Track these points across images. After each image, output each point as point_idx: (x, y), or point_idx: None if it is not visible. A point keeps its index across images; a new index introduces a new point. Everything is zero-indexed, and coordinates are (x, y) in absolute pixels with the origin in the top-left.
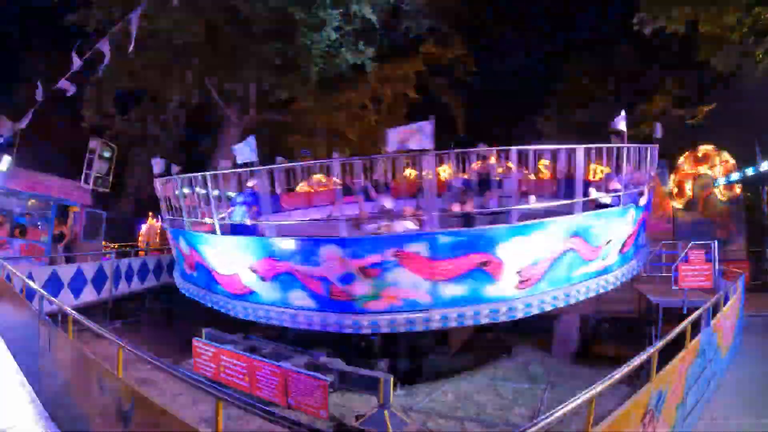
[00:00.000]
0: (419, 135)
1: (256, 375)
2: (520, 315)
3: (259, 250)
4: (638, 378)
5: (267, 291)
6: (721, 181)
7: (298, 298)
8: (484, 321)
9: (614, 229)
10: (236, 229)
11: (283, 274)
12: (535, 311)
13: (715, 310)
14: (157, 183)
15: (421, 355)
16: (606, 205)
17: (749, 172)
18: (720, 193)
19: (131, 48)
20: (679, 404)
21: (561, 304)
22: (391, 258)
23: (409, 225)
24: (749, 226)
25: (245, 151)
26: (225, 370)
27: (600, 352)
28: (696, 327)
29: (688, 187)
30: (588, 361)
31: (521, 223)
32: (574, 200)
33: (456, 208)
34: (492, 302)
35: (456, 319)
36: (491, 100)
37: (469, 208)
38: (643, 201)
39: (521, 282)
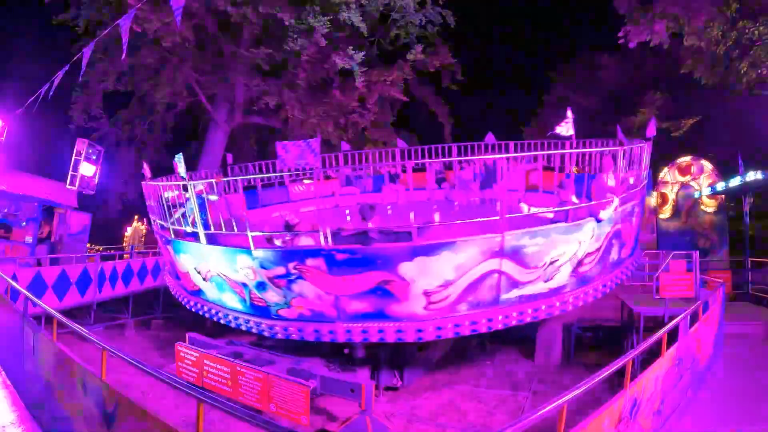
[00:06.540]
0: (309, 153)
1: (238, 380)
2: (430, 337)
3: (197, 255)
4: (620, 385)
5: (208, 290)
6: (705, 191)
7: (229, 299)
8: (391, 339)
9: (560, 248)
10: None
11: (214, 276)
12: (448, 335)
13: (695, 319)
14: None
15: (404, 362)
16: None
17: (732, 183)
18: (703, 203)
19: (123, 56)
20: (655, 412)
21: (483, 329)
22: (293, 271)
23: (309, 240)
24: (732, 236)
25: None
26: (208, 375)
27: (582, 360)
28: (674, 336)
29: (672, 197)
30: (570, 368)
31: (425, 243)
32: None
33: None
34: (398, 321)
35: (361, 333)
36: (478, 108)
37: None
38: (605, 214)
39: (431, 303)
